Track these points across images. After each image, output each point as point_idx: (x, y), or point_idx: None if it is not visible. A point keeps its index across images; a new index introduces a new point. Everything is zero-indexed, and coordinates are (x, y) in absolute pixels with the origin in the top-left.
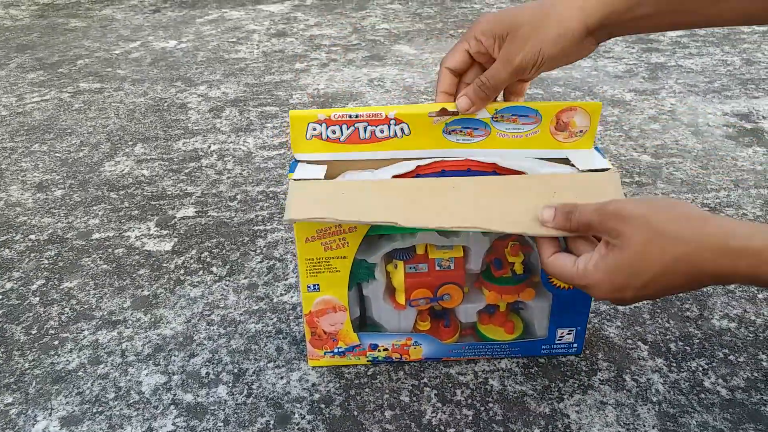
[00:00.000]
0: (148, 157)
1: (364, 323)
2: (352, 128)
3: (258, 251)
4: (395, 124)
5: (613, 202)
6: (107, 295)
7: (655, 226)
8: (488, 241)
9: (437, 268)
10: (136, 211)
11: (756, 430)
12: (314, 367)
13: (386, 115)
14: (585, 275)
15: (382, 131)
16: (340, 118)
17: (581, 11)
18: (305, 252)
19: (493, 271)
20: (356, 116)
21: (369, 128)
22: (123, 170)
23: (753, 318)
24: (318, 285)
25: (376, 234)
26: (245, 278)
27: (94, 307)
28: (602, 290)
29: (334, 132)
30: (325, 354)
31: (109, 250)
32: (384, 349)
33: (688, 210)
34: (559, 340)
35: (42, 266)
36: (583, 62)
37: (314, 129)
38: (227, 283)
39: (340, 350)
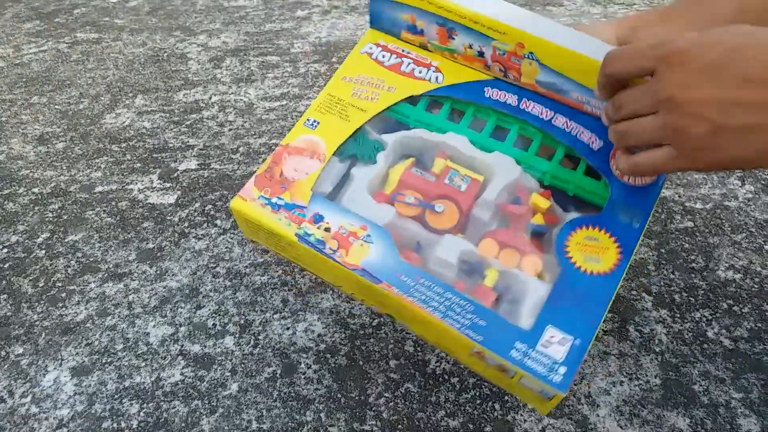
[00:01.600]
0: (149, 109)
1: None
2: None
3: None
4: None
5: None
6: (112, 248)
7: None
8: (518, 172)
9: (446, 181)
10: (139, 164)
11: (758, 380)
12: (252, 245)
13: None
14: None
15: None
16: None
17: (611, 24)
18: (332, 87)
19: (509, 208)
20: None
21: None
22: (124, 122)
23: (759, 269)
24: (318, 123)
25: (403, 120)
26: None
27: (99, 259)
28: (682, 43)
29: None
30: (258, 198)
31: (113, 203)
32: (325, 228)
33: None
34: (543, 346)
35: (46, 219)
36: (592, 8)
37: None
38: (232, 235)
39: (277, 203)
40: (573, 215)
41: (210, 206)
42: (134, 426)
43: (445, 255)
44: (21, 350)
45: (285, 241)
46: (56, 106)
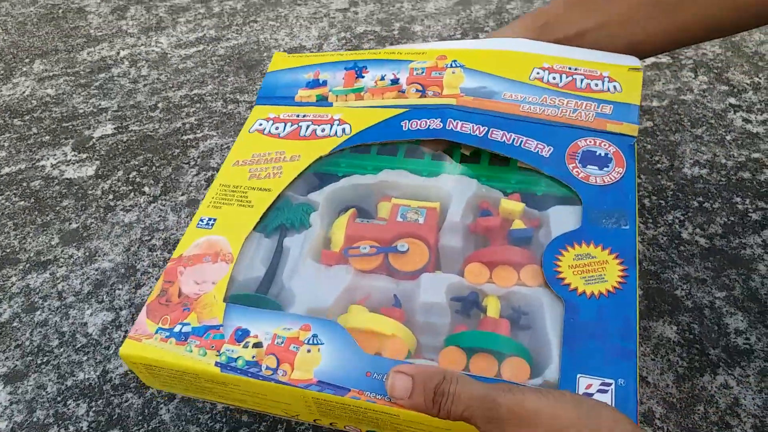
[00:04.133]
0: (51, 74)
1: (263, 293)
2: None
3: (192, 163)
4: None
5: (508, 389)
6: (31, 234)
7: None
8: (475, 186)
9: (399, 218)
10: (48, 137)
11: (738, 275)
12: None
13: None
14: None
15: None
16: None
17: (519, 26)
18: (225, 176)
19: (480, 222)
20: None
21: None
22: (24, 92)
23: (724, 161)
24: (215, 220)
25: (331, 171)
26: (182, 194)
27: (17, 249)
28: None
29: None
30: (156, 332)
31: (24, 184)
32: (254, 344)
33: (615, 419)
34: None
35: None
36: None
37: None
38: (163, 202)
39: (182, 331)
40: (553, 212)
41: (134, 173)
42: (84, 428)
43: (431, 297)
44: None
45: (204, 377)
46: None
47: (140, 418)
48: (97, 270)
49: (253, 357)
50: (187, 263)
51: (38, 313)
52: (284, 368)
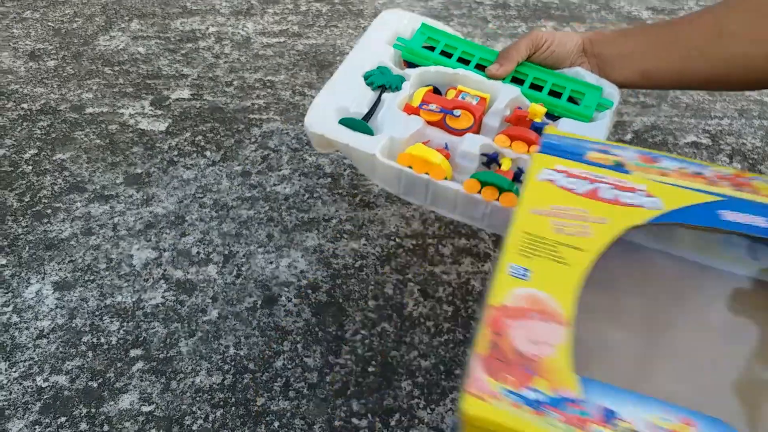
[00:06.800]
0: (145, 35)
1: (365, 121)
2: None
3: (253, 139)
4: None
5: None
6: (100, 170)
7: None
8: (518, 93)
9: (460, 98)
10: (131, 89)
11: None
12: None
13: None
14: None
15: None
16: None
17: (580, 35)
18: (526, 224)
19: (516, 112)
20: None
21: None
22: (118, 46)
23: None
24: (529, 271)
25: (417, 63)
26: (239, 165)
27: (86, 180)
28: None
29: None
30: (501, 393)
31: (103, 126)
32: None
33: None
34: None
35: (35, 136)
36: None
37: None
38: (221, 168)
39: (536, 399)
40: (562, 121)
41: (200, 137)
42: (113, 342)
43: (468, 148)
44: (4, 261)
45: None
46: (49, 23)
47: (162, 345)
48: (150, 213)
49: None
50: (513, 316)
51: (93, 237)
52: None
